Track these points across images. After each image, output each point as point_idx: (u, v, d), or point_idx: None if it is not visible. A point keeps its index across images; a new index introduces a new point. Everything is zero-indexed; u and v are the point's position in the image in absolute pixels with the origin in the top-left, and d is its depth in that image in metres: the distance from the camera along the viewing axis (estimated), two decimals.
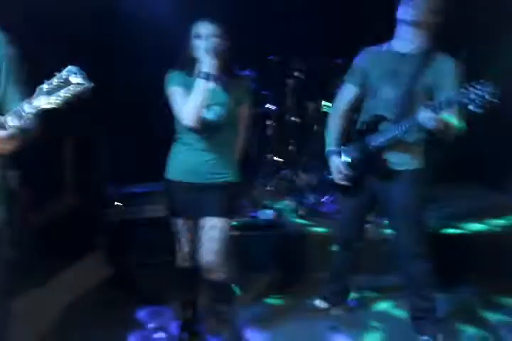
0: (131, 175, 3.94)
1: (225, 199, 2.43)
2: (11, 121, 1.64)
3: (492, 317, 2.90)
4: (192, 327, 2.63)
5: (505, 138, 4.46)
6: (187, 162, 2.43)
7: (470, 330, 2.76)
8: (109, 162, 4.20)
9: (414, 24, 2.38)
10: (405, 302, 2.73)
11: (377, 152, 2.53)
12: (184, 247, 2.54)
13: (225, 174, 2.43)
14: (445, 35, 2.49)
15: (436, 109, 2.26)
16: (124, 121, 4.37)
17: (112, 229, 3.54)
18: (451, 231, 3.59)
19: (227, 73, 2.39)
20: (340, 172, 2.61)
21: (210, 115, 2.34)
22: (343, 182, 2.64)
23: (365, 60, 2.61)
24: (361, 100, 2.67)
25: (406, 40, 2.46)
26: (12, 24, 1.90)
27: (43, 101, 1.58)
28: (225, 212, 2.44)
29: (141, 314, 2.96)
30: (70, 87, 1.57)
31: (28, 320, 2.61)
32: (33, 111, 1.61)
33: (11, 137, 1.68)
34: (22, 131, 1.69)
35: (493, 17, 4.07)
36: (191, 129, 2.33)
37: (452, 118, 2.36)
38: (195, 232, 2.49)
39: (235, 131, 2.49)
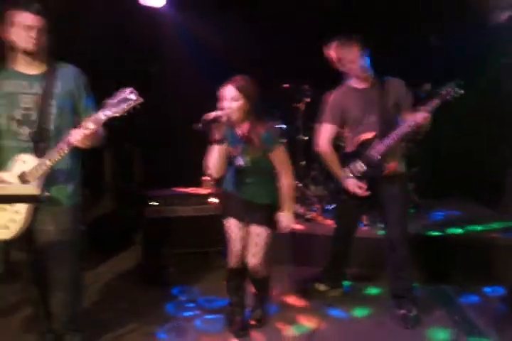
0: (164, 180, 4.64)
1: (267, 214, 2.86)
2: (90, 125, 2.31)
3: (463, 301, 3.50)
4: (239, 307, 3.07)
5: (486, 161, 5.10)
6: (234, 181, 2.88)
7: (443, 310, 3.35)
8: (145, 169, 4.91)
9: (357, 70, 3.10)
10: (388, 285, 3.32)
11: (380, 160, 3.11)
12: (237, 245, 2.91)
13: (264, 197, 2.86)
14: None
15: (429, 110, 2.97)
16: (159, 136, 5.11)
17: (150, 225, 4.17)
18: (436, 234, 4.17)
19: (251, 126, 2.74)
20: (360, 187, 3.13)
21: (240, 163, 2.79)
22: (365, 194, 3.11)
23: (339, 101, 3.22)
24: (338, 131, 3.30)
25: (359, 79, 3.16)
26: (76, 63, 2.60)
27: (112, 111, 2.28)
28: (268, 223, 2.87)
29: (174, 290, 3.63)
30: (130, 102, 2.27)
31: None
32: (105, 118, 2.29)
33: (90, 136, 2.32)
34: (96, 133, 2.35)
35: None
36: None
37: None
38: (245, 233, 2.90)
39: (272, 170, 2.83)
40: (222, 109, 2.68)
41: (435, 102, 2.99)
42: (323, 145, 3.26)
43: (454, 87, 2.95)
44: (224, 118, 2.62)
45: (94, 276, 3.80)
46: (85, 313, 2.96)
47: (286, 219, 2.84)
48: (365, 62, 3.11)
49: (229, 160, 2.83)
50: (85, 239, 3.13)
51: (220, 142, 2.65)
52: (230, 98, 2.68)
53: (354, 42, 3.07)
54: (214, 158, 2.71)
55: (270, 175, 2.88)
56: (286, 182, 2.85)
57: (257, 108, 2.74)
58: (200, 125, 2.56)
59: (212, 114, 2.61)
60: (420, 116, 2.99)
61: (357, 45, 3.06)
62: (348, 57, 3.07)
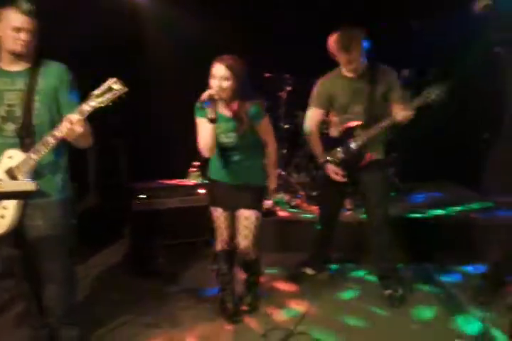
0: (150, 173, 4.67)
1: (256, 196, 2.97)
2: (75, 117, 2.28)
3: (446, 279, 3.65)
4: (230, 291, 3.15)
5: (465, 144, 5.23)
6: (222, 167, 2.95)
7: (427, 289, 3.50)
8: (130, 162, 4.93)
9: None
10: (373, 267, 3.45)
11: (358, 151, 3.24)
12: (223, 233, 3.05)
13: (252, 178, 2.96)
14: None
15: (410, 109, 3.04)
16: (143, 129, 5.11)
17: (137, 218, 4.21)
18: (417, 215, 4.33)
19: (239, 104, 2.80)
20: (337, 173, 3.27)
21: (226, 140, 2.86)
22: (343, 180, 3.26)
23: (326, 88, 3.29)
24: (325, 116, 3.40)
25: (350, 70, 3.19)
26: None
27: (97, 102, 2.28)
28: (257, 206, 2.98)
29: (165, 281, 3.66)
30: (114, 92, 2.27)
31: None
32: (90, 108, 2.28)
33: (76, 128, 2.27)
34: (82, 126, 2.30)
35: None
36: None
37: None
38: (231, 221, 3.02)
39: (258, 145, 2.97)
40: (211, 87, 2.73)
41: (418, 102, 3.03)
42: (310, 129, 3.36)
43: (439, 92, 2.97)
44: (216, 97, 2.69)
45: (84, 270, 3.79)
46: (78, 307, 2.94)
47: (271, 184, 3.04)
48: (362, 61, 3.13)
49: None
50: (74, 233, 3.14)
51: (213, 121, 2.71)
52: (220, 77, 2.71)
53: (355, 44, 3.04)
54: (207, 136, 2.76)
55: (257, 151, 3.00)
56: (271, 149, 3.01)
57: (245, 86, 2.79)
58: (199, 104, 2.70)
59: (206, 94, 2.68)
60: (400, 115, 3.06)
61: (357, 49, 3.05)
62: (347, 59, 3.10)
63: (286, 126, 5.21)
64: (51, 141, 2.34)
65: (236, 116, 2.84)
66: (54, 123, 2.42)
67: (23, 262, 2.65)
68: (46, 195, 2.50)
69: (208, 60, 2.87)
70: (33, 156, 2.37)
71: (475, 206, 4.54)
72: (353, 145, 3.24)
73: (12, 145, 2.43)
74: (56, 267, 2.60)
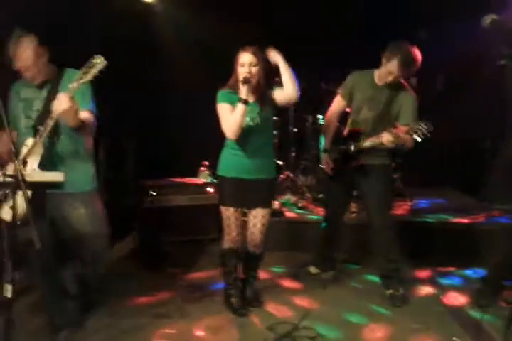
0: (160, 170, 4.79)
1: (269, 193, 3.16)
2: (63, 96, 2.40)
3: (446, 282, 3.76)
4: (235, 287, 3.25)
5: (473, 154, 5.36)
6: (237, 163, 3.04)
7: (427, 290, 3.61)
8: (144, 162, 5.06)
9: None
10: (376, 268, 3.55)
11: (355, 154, 3.38)
12: (232, 232, 3.13)
13: (267, 172, 3.10)
14: None
15: (397, 135, 3.13)
16: (154, 127, 5.23)
17: (147, 214, 4.36)
18: (420, 220, 4.46)
19: (263, 89, 2.99)
20: (328, 165, 3.48)
21: (249, 122, 2.98)
22: (329, 172, 3.49)
23: (353, 81, 3.42)
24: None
25: (384, 78, 3.28)
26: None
27: (82, 79, 2.40)
28: (269, 203, 3.18)
29: (173, 276, 3.80)
30: (97, 66, 2.38)
31: None
32: (77, 85, 2.42)
33: (66, 104, 2.39)
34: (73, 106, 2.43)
35: None
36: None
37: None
38: (241, 219, 3.13)
39: (271, 137, 3.15)
40: (240, 75, 2.92)
41: (405, 130, 3.13)
42: (329, 115, 3.54)
43: (424, 127, 3.03)
44: (251, 79, 2.90)
45: None
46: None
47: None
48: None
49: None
50: None
51: (246, 102, 2.88)
52: (249, 63, 2.92)
53: (413, 70, 3.16)
54: (237, 117, 2.89)
55: (271, 143, 3.18)
56: None
57: (268, 73, 2.99)
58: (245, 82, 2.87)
59: (242, 77, 2.89)
60: (385, 138, 3.14)
61: (410, 73, 3.20)
62: (394, 75, 3.20)
63: (295, 130, 5.32)
64: (49, 122, 2.50)
65: (261, 101, 3.00)
66: None
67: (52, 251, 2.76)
68: (82, 186, 2.75)
69: (218, 62, 3.00)
70: (38, 139, 2.55)
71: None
72: (352, 147, 3.38)
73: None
74: (99, 250, 2.85)
